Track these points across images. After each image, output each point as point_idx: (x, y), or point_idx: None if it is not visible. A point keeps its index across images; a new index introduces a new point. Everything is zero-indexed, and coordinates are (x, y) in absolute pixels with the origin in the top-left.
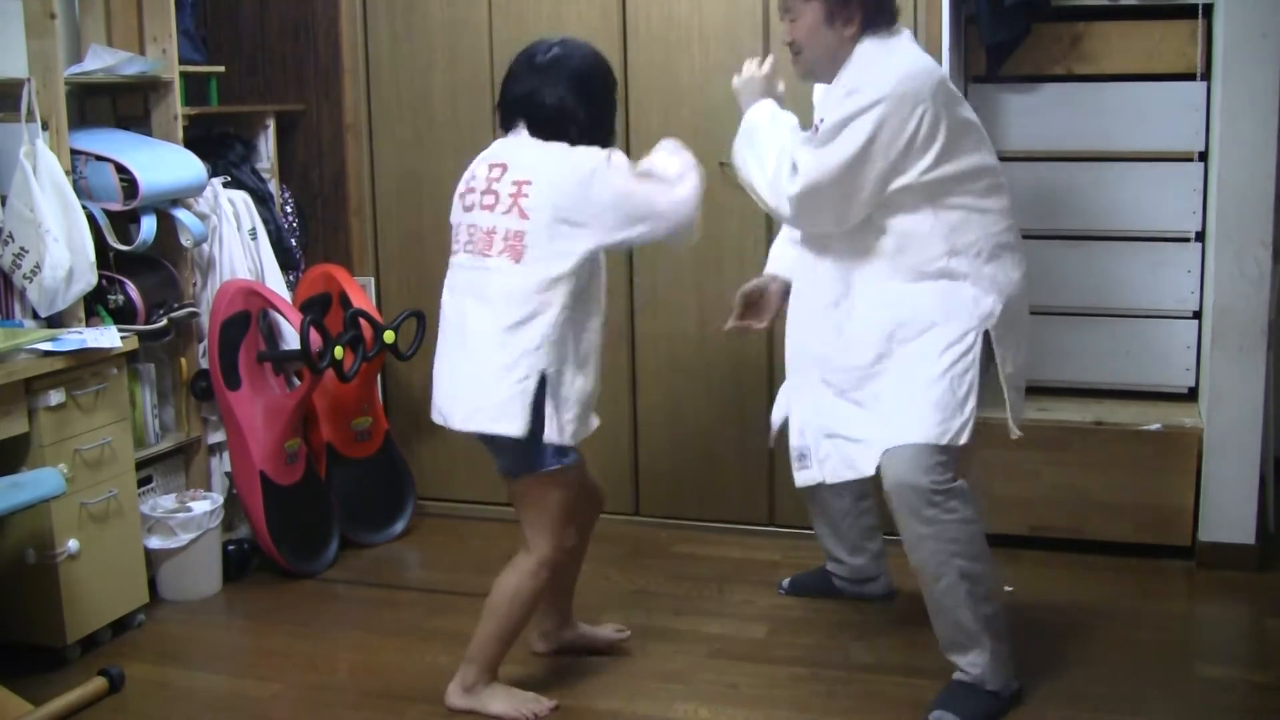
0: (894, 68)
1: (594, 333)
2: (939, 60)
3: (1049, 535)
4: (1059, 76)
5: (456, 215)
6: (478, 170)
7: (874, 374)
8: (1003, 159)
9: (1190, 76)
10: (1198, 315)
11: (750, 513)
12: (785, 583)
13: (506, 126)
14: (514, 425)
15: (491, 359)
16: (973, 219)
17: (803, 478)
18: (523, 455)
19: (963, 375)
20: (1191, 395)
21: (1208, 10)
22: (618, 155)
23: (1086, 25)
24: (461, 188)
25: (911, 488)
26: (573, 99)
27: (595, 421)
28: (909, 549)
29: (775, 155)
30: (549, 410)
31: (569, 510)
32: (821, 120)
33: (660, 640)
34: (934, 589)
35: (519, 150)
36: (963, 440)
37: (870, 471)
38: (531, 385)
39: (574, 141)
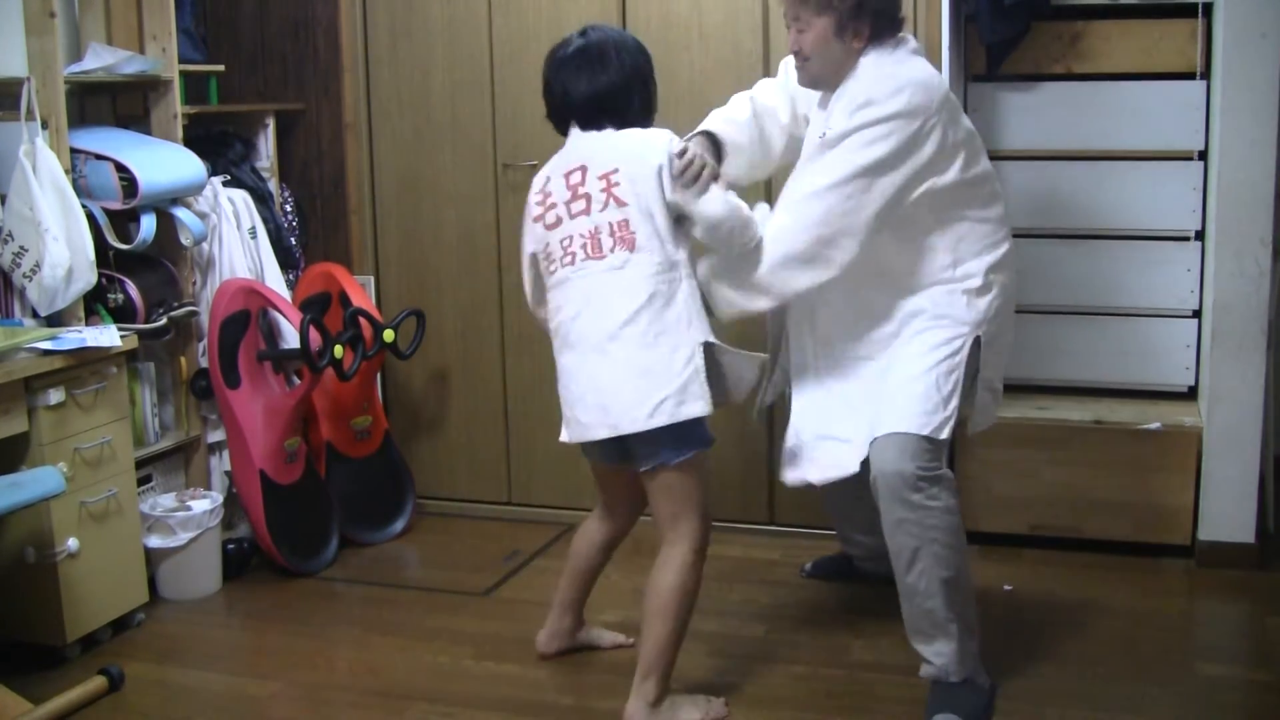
0: (905, 82)
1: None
2: (939, 60)
3: (1049, 534)
4: (1058, 75)
5: (537, 238)
6: (551, 186)
7: (868, 370)
8: (1002, 158)
9: (1190, 75)
10: (1197, 314)
11: (750, 512)
12: (807, 566)
13: (563, 130)
14: (700, 404)
15: (651, 351)
16: (976, 229)
17: (790, 477)
18: (673, 441)
19: (948, 375)
20: (1191, 394)
21: (1207, 9)
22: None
23: (1086, 24)
24: (535, 210)
25: (898, 473)
26: (619, 80)
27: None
28: (888, 534)
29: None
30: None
31: (708, 488)
32: (829, 129)
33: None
34: (908, 575)
35: (589, 147)
36: (943, 435)
37: (855, 468)
38: (700, 360)
39: (632, 121)
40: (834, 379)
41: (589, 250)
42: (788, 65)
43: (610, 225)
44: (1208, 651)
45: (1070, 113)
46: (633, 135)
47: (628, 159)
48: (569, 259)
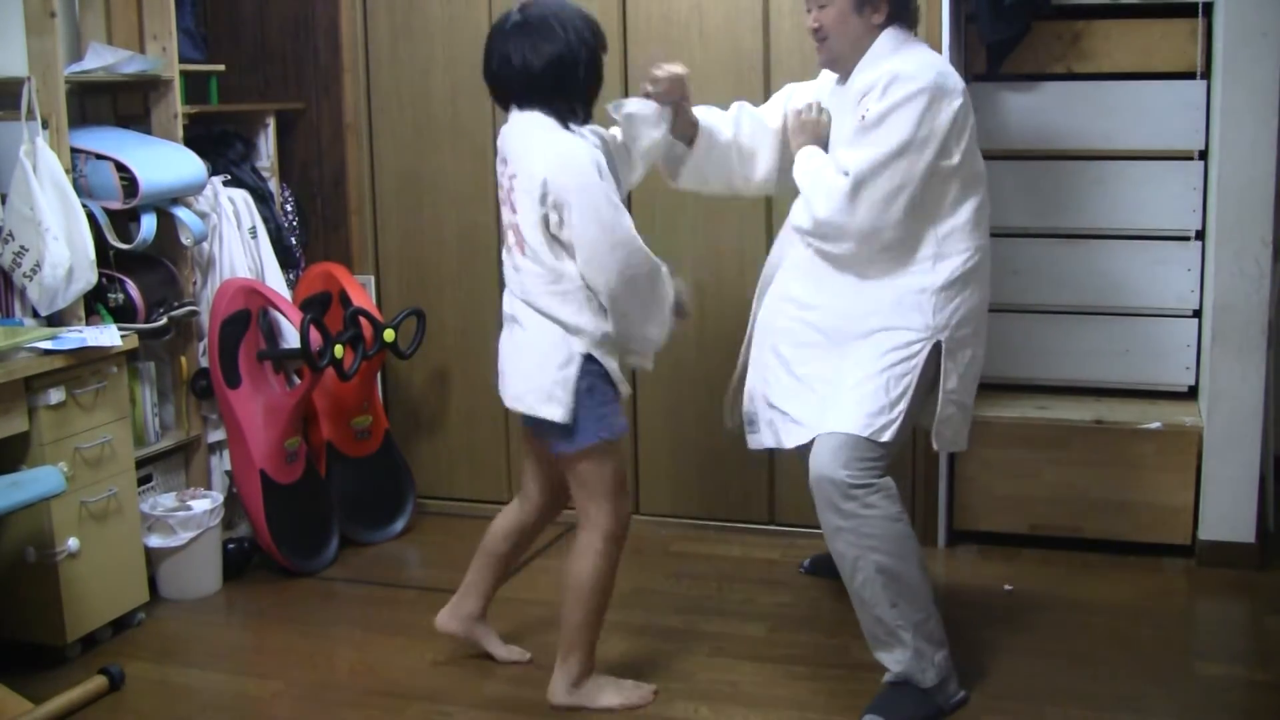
0: (928, 60)
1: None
2: None
3: (1049, 534)
4: (1059, 75)
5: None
6: (500, 164)
7: (819, 356)
8: (1003, 157)
9: (1190, 75)
10: (1198, 314)
11: (750, 511)
12: (806, 562)
13: (504, 106)
14: (559, 410)
15: (533, 342)
16: (962, 229)
17: (753, 441)
18: (559, 430)
19: (900, 378)
20: (1191, 394)
21: (1208, 8)
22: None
23: (1086, 23)
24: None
25: (829, 480)
26: (555, 56)
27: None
28: (828, 541)
29: (822, 166)
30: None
31: (621, 480)
32: (867, 111)
33: (660, 639)
34: (852, 583)
35: (513, 138)
36: (885, 438)
37: (790, 445)
38: (574, 371)
39: (569, 99)
40: (787, 343)
41: (508, 242)
42: (788, 91)
43: (514, 225)
44: (1207, 651)
45: (1071, 112)
46: (541, 143)
47: (525, 169)
48: (505, 240)
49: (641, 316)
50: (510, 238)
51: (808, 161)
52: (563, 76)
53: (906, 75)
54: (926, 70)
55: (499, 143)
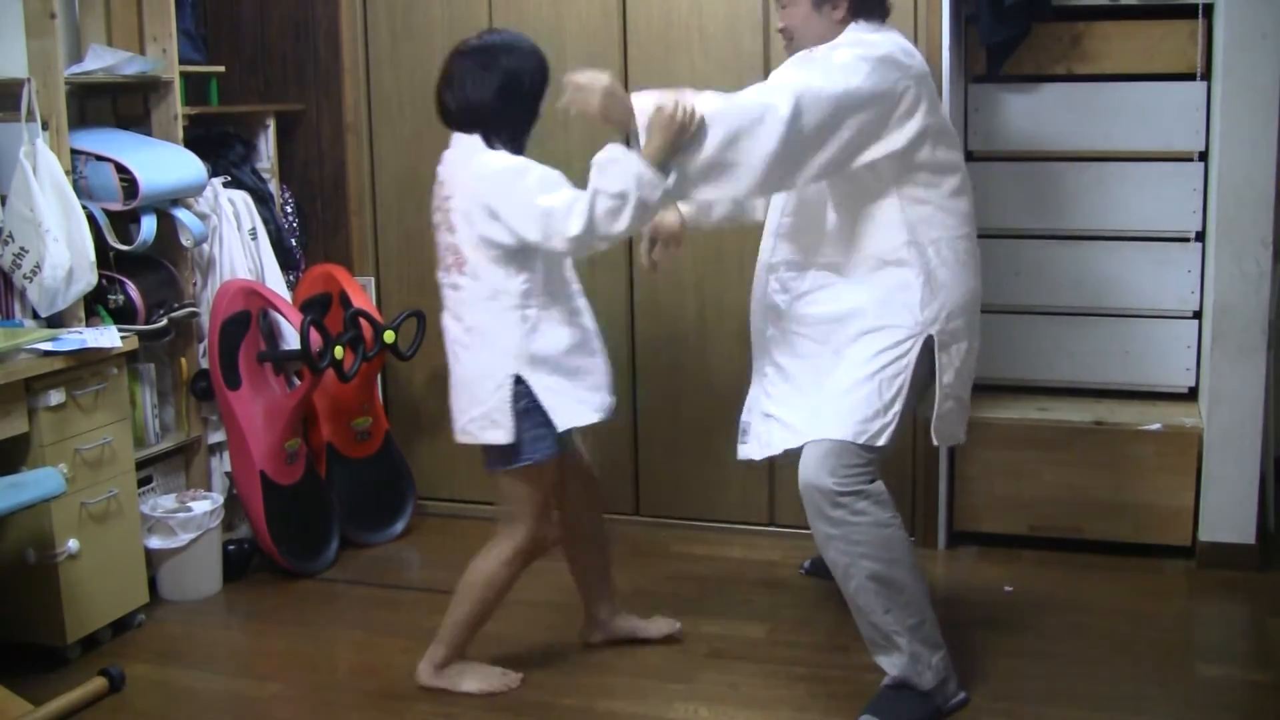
0: (894, 40)
1: (560, 324)
2: (939, 60)
3: (1049, 535)
4: (1059, 76)
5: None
6: (438, 188)
7: (810, 358)
8: (1003, 158)
9: (1190, 76)
10: (1198, 315)
11: (750, 512)
12: (806, 563)
13: (450, 128)
14: (501, 433)
15: (471, 370)
16: (937, 216)
17: (741, 452)
18: (495, 453)
19: (892, 379)
20: (1191, 395)
21: (1208, 10)
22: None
23: (1087, 25)
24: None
25: (817, 489)
26: (495, 87)
27: (591, 414)
28: (819, 548)
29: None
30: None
31: (546, 501)
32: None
33: (660, 640)
34: (846, 589)
35: (452, 162)
36: (881, 442)
37: (779, 449)
38: (508, 392)
39: (505, 129)
40: (783, 351)
41: (446, 263)
42: None
43: (452, 246)
44: (1208, 652)
45: (1071, 113)
46: (479, 162)
47: (463, 189)
48: (441, 262)
49: (632, 217)
50: (449, 258)
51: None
52: (506, 104)
53: (862, 43)
54: (885, 44)
55: (439, 169)
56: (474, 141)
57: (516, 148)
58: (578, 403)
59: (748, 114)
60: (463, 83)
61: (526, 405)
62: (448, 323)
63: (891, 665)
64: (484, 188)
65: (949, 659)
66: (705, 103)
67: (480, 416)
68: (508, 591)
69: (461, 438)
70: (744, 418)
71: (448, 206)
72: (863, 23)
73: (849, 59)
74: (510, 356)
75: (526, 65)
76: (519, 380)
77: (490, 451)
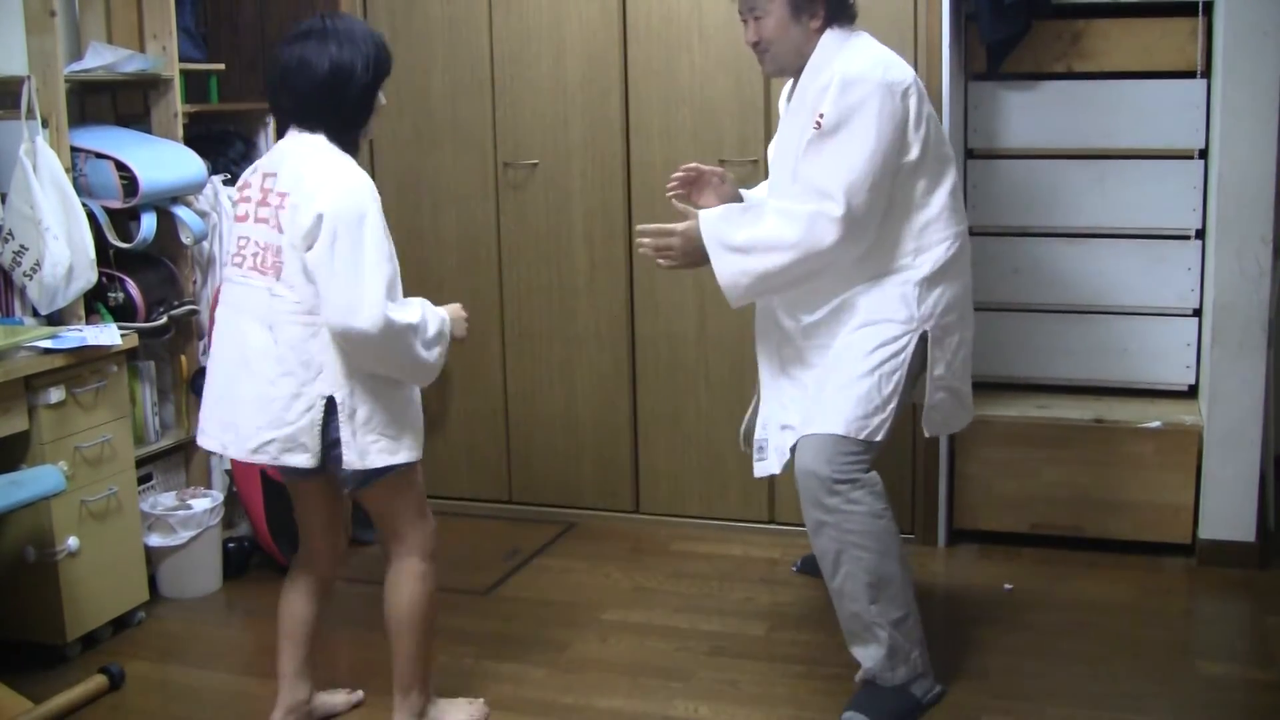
0: (874, 56)
1: None
2: (939, 59)
3: (1049, 533)
4: (1059, 74)
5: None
6: (253, 179)
7: (813, 359)
8: (1002, 157)
9: (1190, 74)
10: (1198, 313)
11: (750, 510)
12: (798, 563)
13: (283, 124)
14: (305, 457)
15: (273, 388)
16: (939, 218)
17: (759, 469)
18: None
19: (890, 375)
20: (1192, 393)
21: (1208, 8)
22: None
23: (1087, 23)
24: (236, 198)
25: (814, 475)
26: (327, 78)
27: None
28: (811, 536)
29: (778, 214)
30: (345, 435)
31: (422, 498)
32: (822, 117)
33: (660, 638)
34: (833, 579)
35: (291, 154)
36: (879, 438)
37: (789, 451)
38: (319, 415)
39: (342, 123)
40: (796, 366)
41: (257, 261)
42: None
43: (273, 246)
44: (1208, 650)
45: (1071, 111)
46: (325, 169)
47: (301, 191)
48: (239, 259)
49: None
50: (266, 259)
51: (742, 218)
52: (342, 87)
53: (854, 77)
54: (874, 68)
55: (264, 159)
56: (324, 143)
57: (355, 148)
58: (406, 427)
59: (802, 230)
60: (309, 59)
61: (366, 414)
62: (244, 326)
63: (867, 657)
64: (338, 210)
65: (927, 654)
66: (766, 230)
67: (281, 440)
68: (437, 605)
69: (253, 458)
70: (759, 435)
71: (280, 202)
72: (837, 30)
73: (858, 124)
74: (324, 378)
75: (373, 49)
76: (331, 401)
77: (350, 475)
